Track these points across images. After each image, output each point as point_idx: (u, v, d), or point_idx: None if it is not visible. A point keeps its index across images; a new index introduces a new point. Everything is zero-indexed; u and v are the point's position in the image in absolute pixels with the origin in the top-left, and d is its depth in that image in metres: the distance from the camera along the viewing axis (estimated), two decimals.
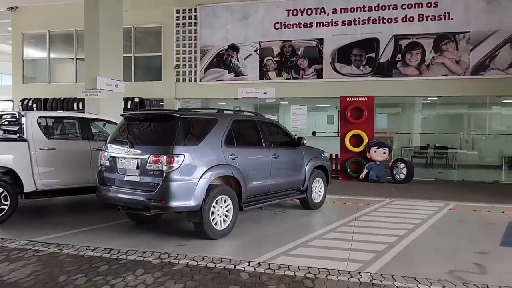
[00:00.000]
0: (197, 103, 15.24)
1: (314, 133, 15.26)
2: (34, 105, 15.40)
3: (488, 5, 11.95)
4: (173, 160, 5.67)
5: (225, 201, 6.20)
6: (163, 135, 6.03)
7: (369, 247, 5.75)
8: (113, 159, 6.30)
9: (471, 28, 12.09)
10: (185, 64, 14.85)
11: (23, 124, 7.22)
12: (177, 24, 14.82)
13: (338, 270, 4.80)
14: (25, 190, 7.04)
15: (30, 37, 16.94)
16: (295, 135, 8.52)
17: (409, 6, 12.54)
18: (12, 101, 16.62)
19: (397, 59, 12.75)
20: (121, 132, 6.48)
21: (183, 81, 14.89)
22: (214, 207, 6.03)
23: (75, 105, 14.60)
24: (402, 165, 12.16)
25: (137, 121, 6.50)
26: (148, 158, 5.79)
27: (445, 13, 12.28)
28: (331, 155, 12.86)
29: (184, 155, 5.73)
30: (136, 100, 14.13)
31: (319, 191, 8.44)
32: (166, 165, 5.66)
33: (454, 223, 7.39)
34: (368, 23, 12.87)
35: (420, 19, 12.47)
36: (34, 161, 7.12)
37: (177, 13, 14.81)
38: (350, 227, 6.95)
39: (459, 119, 14.89)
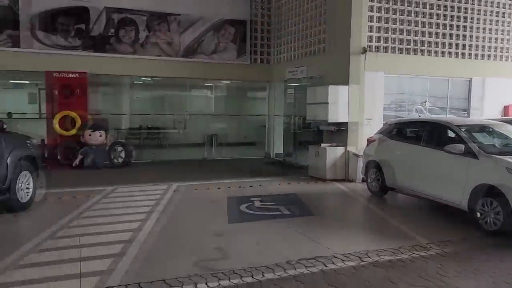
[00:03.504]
0: None
1: (9, 115, 12.54)
2: None
3: None
4: None
5: None
6: None
7: (103, 251, 4.92)
8: None
9: (181, 11, 12.45)
10: None
11: None
12: None
13: None
14: None
15: None
16: None
17: None
18: None
19: (110, 34, 11.79)
20: None
21: None
22: None
23: None
24: (120, 148, 11.51)
25: None
26: None
27: None
28: (42, 140, 10.80)
29: None
30: None
31: (27, 188, 6.79)
32: None
33: (182, 205, 7.39)
34: None
35: None
36: None
37: None
38: (74, 228, 5.85)
39: (171, 99, 15.38)
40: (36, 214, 6.65)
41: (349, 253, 4.93)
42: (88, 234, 5.55)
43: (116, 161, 11.42)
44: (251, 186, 9.01)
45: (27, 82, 13.62)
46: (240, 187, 8.94)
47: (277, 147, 13.94)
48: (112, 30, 11.83)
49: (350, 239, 5.56)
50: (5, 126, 6.26)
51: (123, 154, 11.48)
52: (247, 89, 16.09)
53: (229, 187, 8.83)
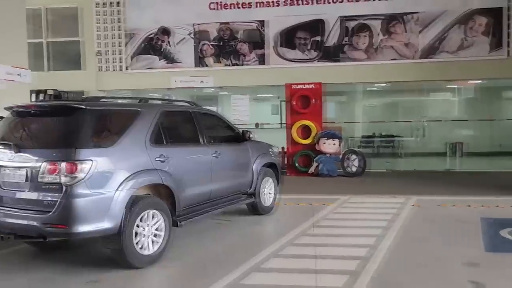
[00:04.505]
0: (127, 95, 13.40)
1: (257, 125, 14.08)
2: None
3: None
4: (77, 168, 4.13)
5: (153, 217, 4.75)
6: (62, 135, 4.46)
7: (339, 265, 4.61)
8: None
9: (419, 9, 11.44)
10: (108, 51, 12.94)
11: None
12: (96, 3, 12.84)
13: None
14: None
15: None
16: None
17: None
18: None
19: (344, 42, 11.84)
20: (6, 132, 4.78)
21: (107, 70, 12.99)
22: (138, 226, 4.55)
23: None
24: (354, 156, 11.32)
25: (28, 116, 4.83)
26: (41, 167, 4.19)
27: None
28: (282, 148, 11.67)
29: (92, 160, 4.20)
30: (51, 92, 11.97)
31: (269, 193, 7.21)
32: (66, 175, 4.11)
33: (424, 223, 6.48)
34: (313, 3, 11.81)
35: None
36: None
37: None
38: (310, 236, 5.80)
39: (407, 105, 14.42)
40: (277, 219, 6.99)
41: None
42: (323, 244, 5.39)
43: (350, 169, 11.26)
44: None
45: (270, 95, 15.06)
46: (497, 206, 7.33)
47: None
48: (346, 38, 11.84)
49: None
50: (251, 135, 6.79)
51: (356, 163, 11.24)
52: (502, 89, 13.55)
53: (482, 206, 7.35)
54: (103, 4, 12.82)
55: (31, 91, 10.95)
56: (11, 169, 4.43)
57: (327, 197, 8.38)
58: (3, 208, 4.47)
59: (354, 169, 11.24)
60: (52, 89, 12.75)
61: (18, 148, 4.39)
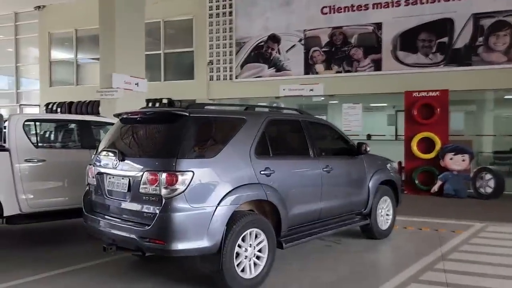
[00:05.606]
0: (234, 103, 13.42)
1: (369, 136, 12.99)
2: (59, 109, 14.23)
3: None
4: (176, 180, 3.80)
5: (256, 237, 4.26)
6: (164, 143, 4.19)
7: None
8: (100, 176, 4.52)
9: None
10: (219, 60, 13.10)
11: (4, 130, 5.69)
12: (210, 14, 13.13)
13: None
14: (5, 213, 5.44)
15: (57, 37, 15.90)
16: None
17: None
18: (39, 105, 15.63)
19: (478, 43, 10.25)
20: (113, 139, 4.70)
21: (217, 79, 13.14)
22: (239, 246, 4.10)
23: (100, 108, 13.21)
24: (488, 175, 9.60)
25: (134, 123, 4.67)
26: (142, 176, 3.95)
27: None
28: (399, 163, 10.42)
29: (193, 171, 3.84)
30: (165, 101, 12.52)
31: (387, 214, 6.28)
32: (166, 187, 3.80)
33: None
34: (440, 0, 10.47)
35: None
36: (17, 176, 5.53)
37: (209, 2, 13.12)
38: (439, 272, 4.76)
39: None
40: (395, 246, 6.02)
41: None
42: (458, 285, 4.34)
43: (483, 190, 9.60)
44: None
45: (384, 104, 13.86)
46: None
47: None
48: (480, 39, 10.24)
49: None
50: (368, 148, 5.95)
51: (492, 183, 9.53)
52: None
53: None
54: (216, 14, 13.05)
55: (147, 100, 11.56)
56: (115, 178, 4.30)
57: (457, 223, 7.11)
58: (107, 217, 4.36)
59: (488, 190, 9.54)
60: (166, 98, 13.34)
61: (123, 155, 4.23)
